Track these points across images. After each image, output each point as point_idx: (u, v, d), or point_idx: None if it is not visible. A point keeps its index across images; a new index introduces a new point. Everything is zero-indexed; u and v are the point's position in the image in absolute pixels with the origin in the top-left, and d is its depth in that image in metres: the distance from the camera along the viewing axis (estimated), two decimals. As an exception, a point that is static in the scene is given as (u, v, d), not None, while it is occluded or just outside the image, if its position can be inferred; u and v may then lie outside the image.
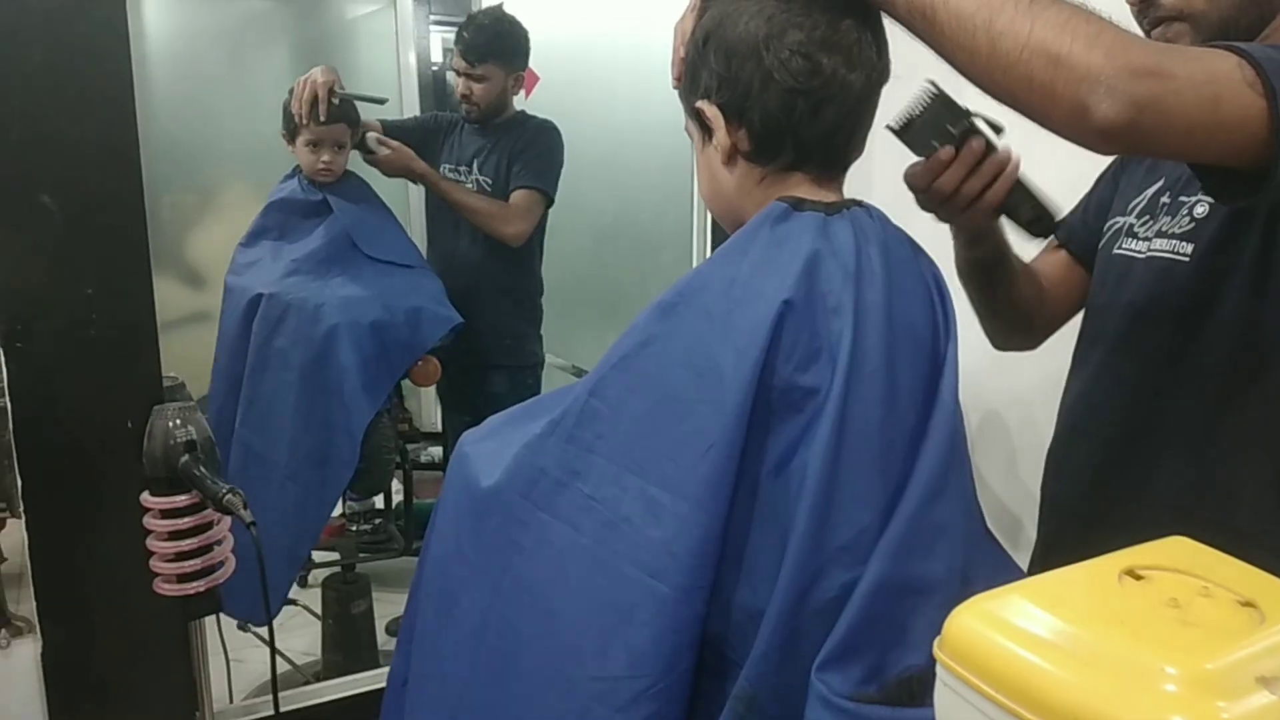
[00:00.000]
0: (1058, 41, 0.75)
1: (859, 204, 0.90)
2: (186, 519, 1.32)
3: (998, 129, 0.95)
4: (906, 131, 0.92)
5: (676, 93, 0.96)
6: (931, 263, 0.92)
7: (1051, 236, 1.04)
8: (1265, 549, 0.93)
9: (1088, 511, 1.10)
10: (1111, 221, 1.14)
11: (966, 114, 0.93)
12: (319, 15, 3.51)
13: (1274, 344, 0.93)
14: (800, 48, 0.85)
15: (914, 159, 0.95)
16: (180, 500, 1.32)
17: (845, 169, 0.93)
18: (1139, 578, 0.64)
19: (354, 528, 2.60)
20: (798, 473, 0.78)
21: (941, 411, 0.80)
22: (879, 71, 0.89)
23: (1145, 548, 0.69)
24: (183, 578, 1.34)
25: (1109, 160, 1.23)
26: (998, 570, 0.86)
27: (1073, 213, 1.26)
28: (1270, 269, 0.92)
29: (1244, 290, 0.94)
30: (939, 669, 0.64)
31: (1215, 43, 0.81)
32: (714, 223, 1.95)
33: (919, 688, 0.75)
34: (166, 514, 1.32)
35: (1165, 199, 1.05)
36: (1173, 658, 0.56)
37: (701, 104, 0.90)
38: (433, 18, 3.78)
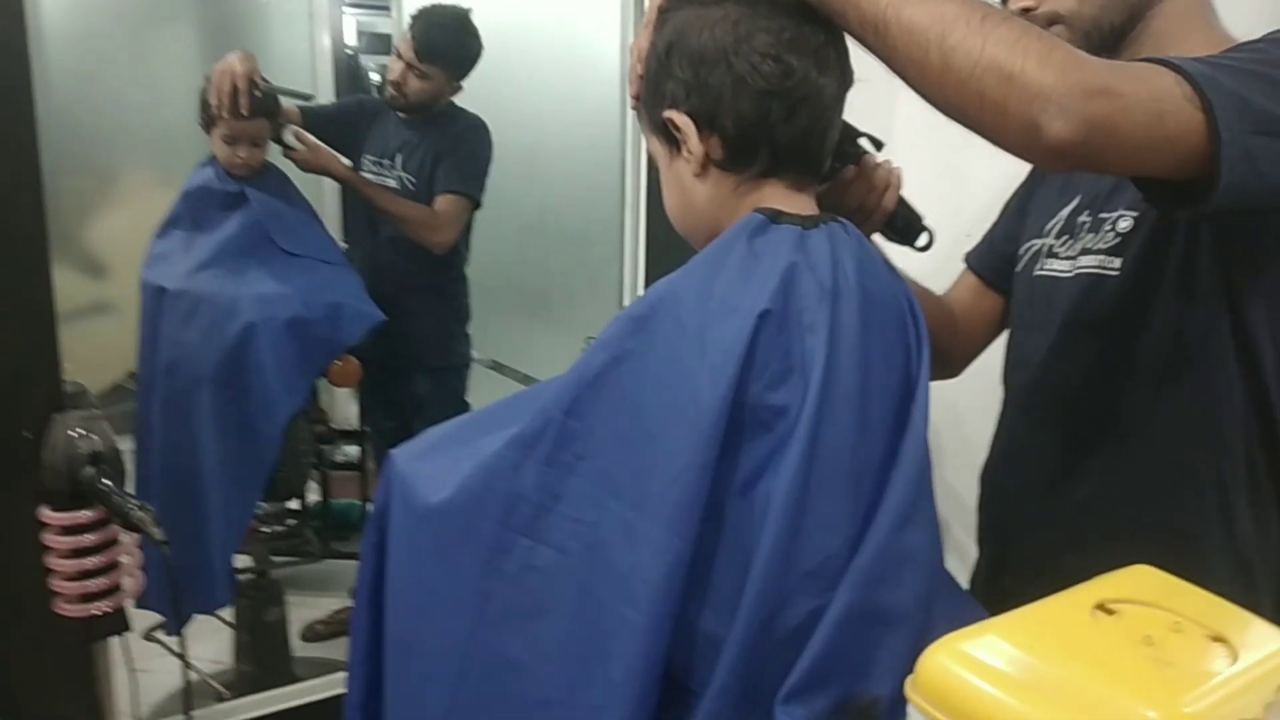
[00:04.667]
0: (1010, 59, 0.75)
1: (835, 219, 0.88)
2: (90, 535, 1.24)
3: (879, 145, 1.00)
4: None
5: (626, 108, 0.94)
6: (904, 282, 0.90)
7: (925, 241, 1.07)
8: (1210, 548, 0.96)
9: (1032, 530, 1.10)
10: (1027, 244, 1.15)
11: (857, 133, 0.97)
12: (229, -7, 3.36)
13: (1201, 346, 0.95)
14: (770, 50, 0.83)
15: None
16: (83, 516, 1.24)
17: (818, 177, 0.91)
18: (1111, 612, 0.64)
19: (265, 529, 2.51)
20: (764, 495, 0.76)
21: (913, 435, 0.79)
22: (846, 76, 0.88)
23: (1112, 579, 0.68)
24: (86, 597, 1.26)
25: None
26: (953, 601, 0.85)
27: (980, 242, 1.28)
28: (1196, 274, 0.94)
29: (1172, 297, 0.96)
30: (910, 710, 0.62)
31: (1148, 58, 0.82)
32: (649, 218, 1.91)
33: (881, 717, 0.73)
34: (68, 530, 1.23)
35: (1085, 217, 1.06)
36: (1152, 700, 0.55)
37: (670, 113, 0.87)
38: (346, 1, 3.67)
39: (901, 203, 1.06)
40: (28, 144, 1.23)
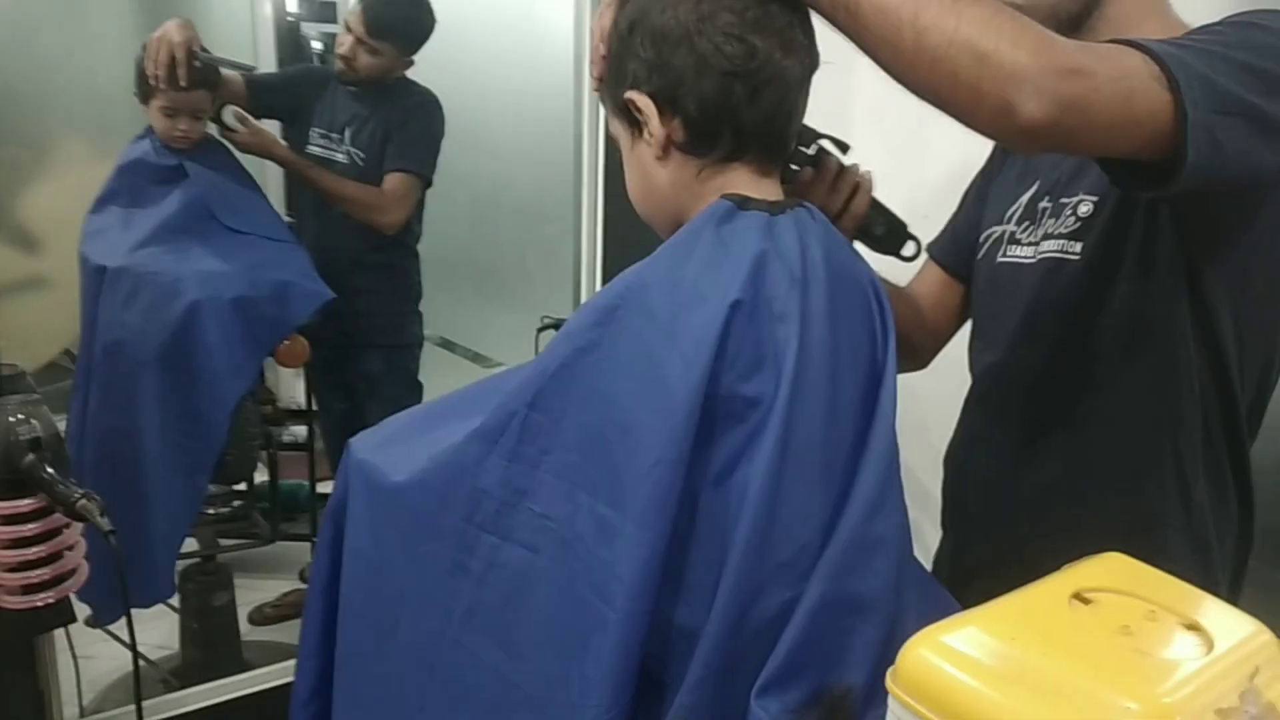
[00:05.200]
0: (983, 39, 0.75)
1: (802, 204, 0.87)
2: (32, 525, 1.19)
3: (844, 148, 1.00)
4: None
5: (581, 82, 0.92)
6: (869, 268, 0.89)
7: (912, 251, 1.09)
8: (1169, 527, 0.98)
9: (997, 513, 1.11)
10: (988, 231, 1.16)
11: (816, 135, 0.97)
12: (163, -44, 3.24)
13: (1161, 326, 0.97)
14: (734, 29, 0.81)
15: None
16: (24, 505, 1.18)
17: (782, 162, 0.90)
18: (1087, 601, 0.64)
19: (210, 510, 2.45)
20: (738, 487, 0.75)
21: (882, 422, 0.78)
22: (812, 58, 0.87)
23: (1086, 568, 0.69)
24: (29, 589, 1.21)
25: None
26: (921, 586, 0.85)
27: (942, 232, 1.29)
28: (1155, 255, 0.96)
29: (1132, 279, 0.97)
30: (891, 702, 0.61)
31: (1115, 39, 0.83)
32: (607, 194, 1.88)
33: (855, 707, 0.73)
34: (8, 520, 1.18)
35: (1045, 203, 1.07)
36: (1131, 691, 0.55)
37: (631, 94, 0.85)
38: (288, -34, 3.56)
39: (877, 208, 1.05)
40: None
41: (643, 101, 0.84)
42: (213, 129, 2.08)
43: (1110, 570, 0.68)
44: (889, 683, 0.61)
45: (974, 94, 0.76)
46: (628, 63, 0.85)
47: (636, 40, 0.84)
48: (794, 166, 0.96)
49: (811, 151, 0.97)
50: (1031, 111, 0.74)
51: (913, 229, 1.29)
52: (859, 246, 1.07)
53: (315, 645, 1.00)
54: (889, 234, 1.05)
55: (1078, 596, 0.64)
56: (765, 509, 0.73)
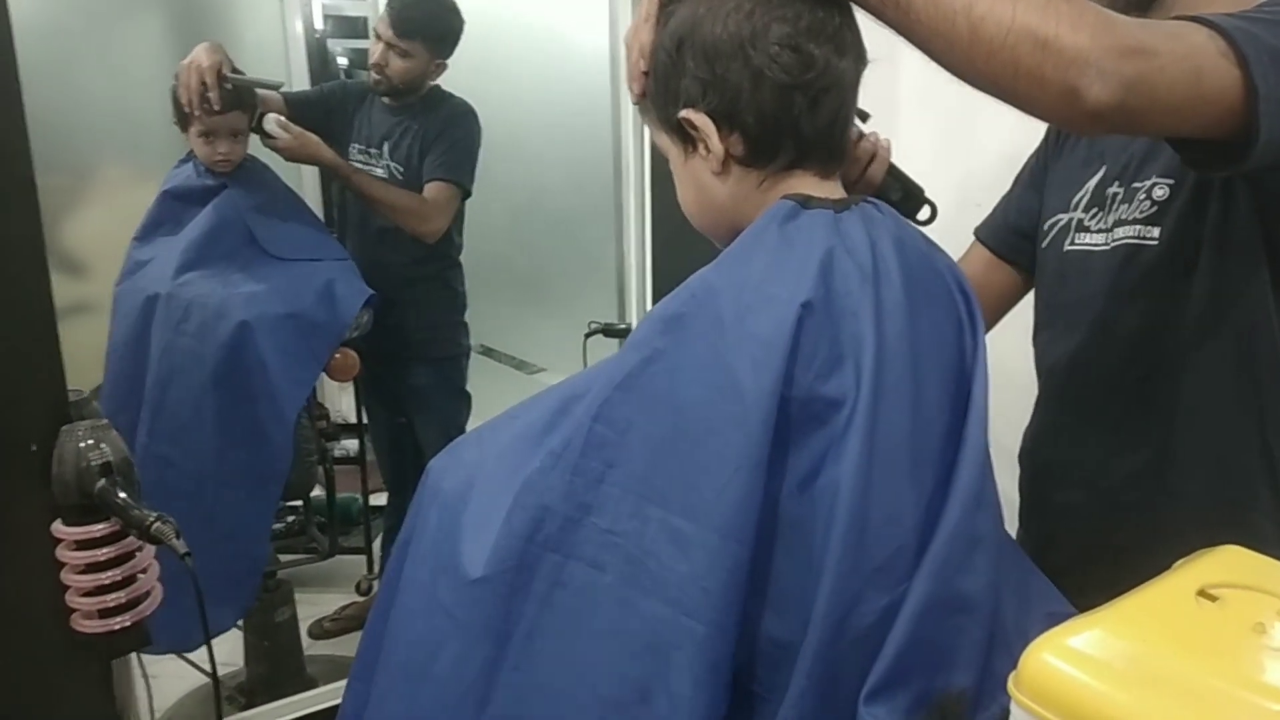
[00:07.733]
0: (1043, 24, 0.73)
1: (867, 200, 0.85)
2: (106, 549, 1.20)
3: (864, 116, 0.97)
4: None
5: (617, 86, 0.90)
6: (948, 257, 0.87)
7: (926, 215, 1.09)
8: (1258, 511, 0.96)
9: (1080, 507, 1.08)
10: (1053, 219, 1.13)
11: None
12: (194, -20, 3.27)
13: (1243, 307, 0.94)
14: (788, 40, 0.79)
15: None
16: (98, 529, 1.19)
17: (843, 162, 0.88)
18: (1213, 599, 0.62)
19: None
20: (826, 491, 0.72)
21: (976, 415, 0.76)
22: (861, 56, 0.85)
23: (1206, 563, 0.67)
24: (105, 613, 1.21)
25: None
26: (1022, 580, 0.83)
27: (992, 214, 1.26)
28: (1234, 235, 0.93)
29: (1212, 261, 0.95)
30: (1014, 708, 0.59)
31: (1180, 15, 0.81)
32: (654, 197, 1.86)
33: (967, 711, 0.72)
34: (82, 545, 1.19)
35: (1115, 189, 1.05)
36: (1275, 692, 0.53)
37: (687, 113, 0.83)
38: (313, -17, 3.58)
39: (894, 174, 1.06)
40: (20, 147, 1.17)
41: (700, 120, 0.82)
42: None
43: (1232, 564, 0.66)
44: (1011, 687, 0.59)
45: (1036, 82, 0.73)
46: (678, 80, 0.83)
47: (686, 57, 0.82)
48: None
49: None
50: (1096, 95, 0.72)
51: (965, 217, 1.26)
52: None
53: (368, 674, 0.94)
54: (905, 199, 1.07)
55: (1203, 594, 0.62)
56: (857, 512, 0.71)
